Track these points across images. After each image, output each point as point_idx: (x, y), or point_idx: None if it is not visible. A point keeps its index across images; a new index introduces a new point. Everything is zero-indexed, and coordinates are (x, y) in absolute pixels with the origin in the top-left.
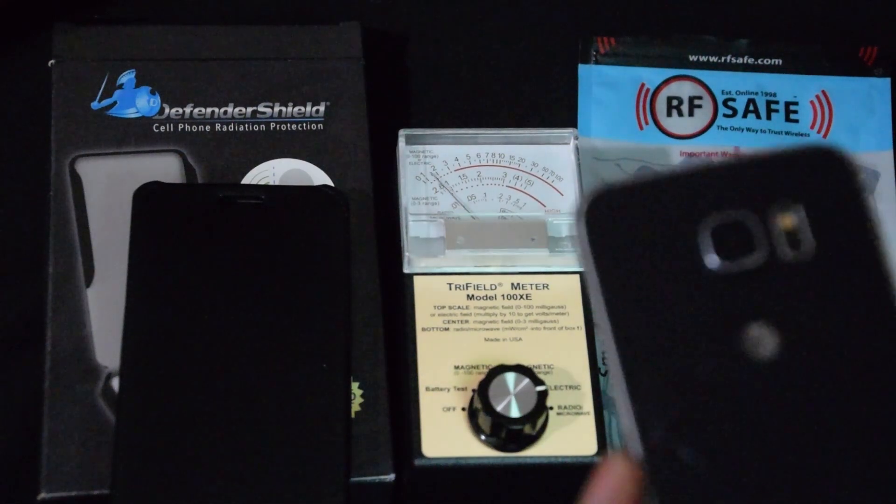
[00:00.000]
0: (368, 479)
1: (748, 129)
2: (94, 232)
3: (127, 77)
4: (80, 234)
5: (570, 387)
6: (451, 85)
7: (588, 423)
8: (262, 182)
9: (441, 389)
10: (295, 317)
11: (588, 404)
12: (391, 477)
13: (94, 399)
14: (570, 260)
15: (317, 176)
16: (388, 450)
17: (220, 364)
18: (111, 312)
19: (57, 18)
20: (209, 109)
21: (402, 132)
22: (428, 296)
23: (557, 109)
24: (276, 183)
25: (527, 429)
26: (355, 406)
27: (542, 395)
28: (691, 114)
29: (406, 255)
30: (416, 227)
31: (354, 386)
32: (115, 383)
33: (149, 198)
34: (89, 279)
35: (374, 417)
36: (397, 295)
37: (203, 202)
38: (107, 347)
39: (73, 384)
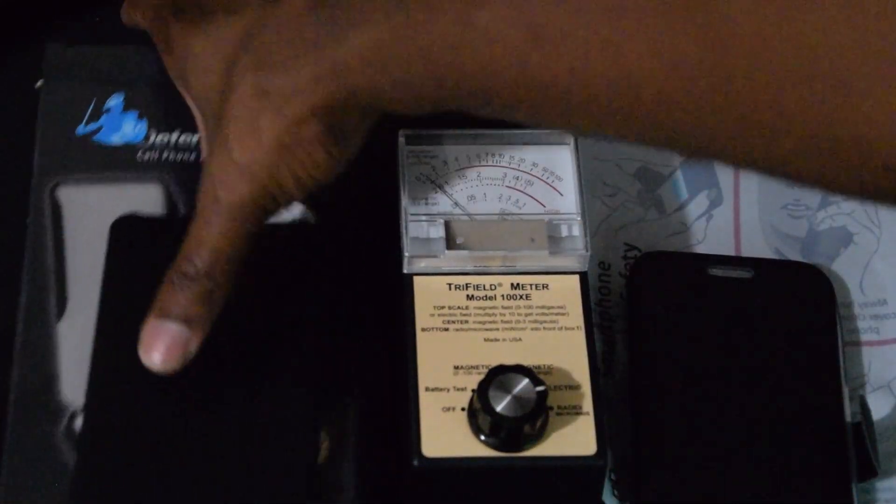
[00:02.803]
0: None
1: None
2: (69, 262)
3: (115, 101)
4: (55, 264)
5: (570, 387)
6: None
7: (587, 423)
8: None
9: (441, 389)
10: (264, 360)
11: (588, 404)
12: None
13: (56, 439)
14: (570, 260)
15: (298, 208)
16: None
17: (187, 410)
18: (81, 348)
19: (47, 38)
20: (196, 136)
21: (402, 132)
22: (428, 296)
23: None
24: None
25: (526, 429)
26: (323, 454)
27: (542, 396)
28: None
29: (406, 255)
30: (415, 227)
31: (324, 432)
32: (79, 423)
33: (125, 231)
34: (61, 312)
35: (341, 466)
36: (397, 295)
37: (182, 235)
38: (74, 385)
39: (37, 421)
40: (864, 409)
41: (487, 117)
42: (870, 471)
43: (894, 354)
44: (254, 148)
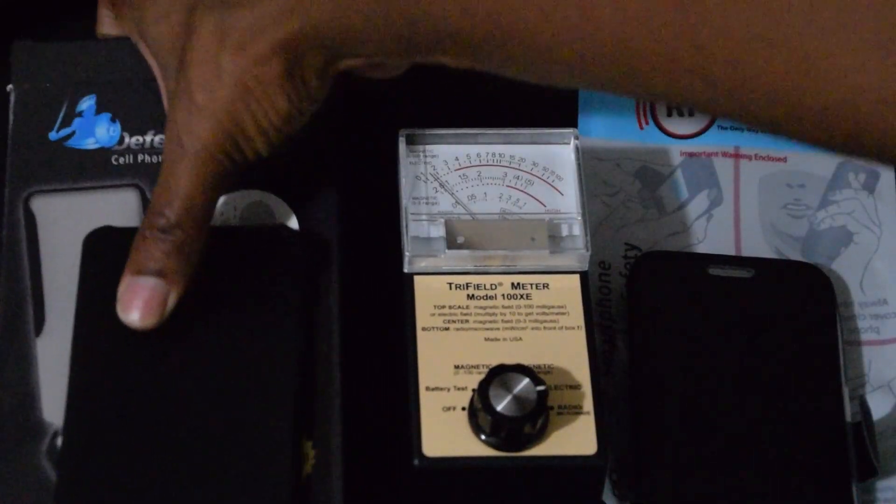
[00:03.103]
0: None
1: (748, 129)
2: (46, 276)
3: (87, 104)
4: (31, 278)
5: (570, 387)
6: (451, 85)
7: (588, 423)
8: (222, 219)
9: (441, 389)
10: (244, 373)
11: (588, 404)
12: None
13: (39, 459)
14: (571, 260)
15: (280, 211)
16: None
17: (167, 424)
18: (61, 365)
19: (16, 36)
20: None
21: (402, 132)
22: (428, 296)
23: (557, 109)
24: (238, 219)
25: (527, 429)
26: (307, 468)
27: (542, 395)
28: (691, 113)
29: (406, 255)
30: (416, 227)
31: (308, 445)
32: (59, 442)
33: (99, 244)
34: (39, 328)
35: (327, 480)
36: (397, 295)
37: None
38: (54, 403)
39: (17, 442)
40: (864, 408)
41: (458, 67)
42: (870, 471)
43: (894, 354)
44: (215, 89)
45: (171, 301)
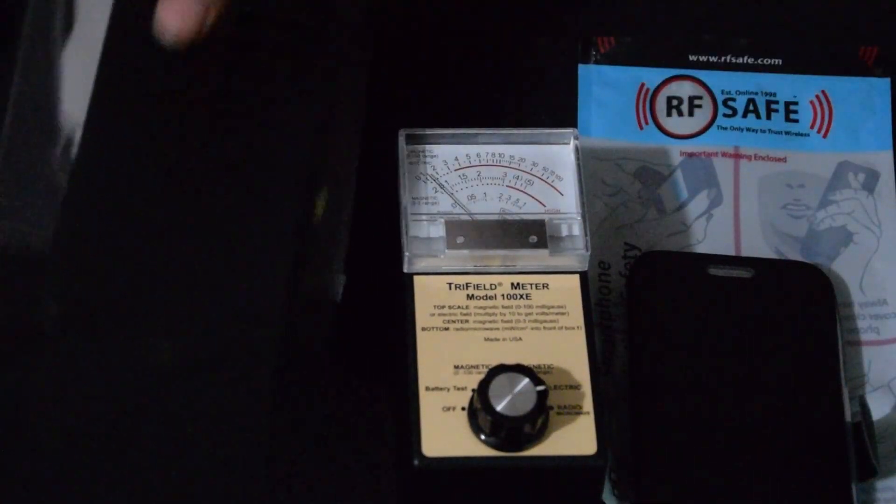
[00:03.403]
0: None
1: (748, 129)
2: None
3: None
4: None
5: (570, 387)
6: (451, 85)
7: (588, 423)
8: None
9: (441, 389)
10: (263, 117)
11: (588, 404)
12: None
13: (51, 163)
14: (570, 260)
15: None
16: (342, 263)
17: (184, 160)
18: (85, 72)
19: None
20: None
21: (402, 132)
22: (428, 296)
23: (557, 109)
24: None
25: (526, 429)
26: (318, 214)
27: (542, 395)
28: (691, 114)
29: (406, 255)
30: (416, 227)
31: (322, 191)
32: (75, 150)
33: None
34: (68, 31)
35: (336, 225)
36: (397, 295)
37: None
38: (75, 107)
39: (34, 140)
40: (864, 409)
41: None
42: (870, 471)
43: (894, 354)
44: None
45: (210, 17)
